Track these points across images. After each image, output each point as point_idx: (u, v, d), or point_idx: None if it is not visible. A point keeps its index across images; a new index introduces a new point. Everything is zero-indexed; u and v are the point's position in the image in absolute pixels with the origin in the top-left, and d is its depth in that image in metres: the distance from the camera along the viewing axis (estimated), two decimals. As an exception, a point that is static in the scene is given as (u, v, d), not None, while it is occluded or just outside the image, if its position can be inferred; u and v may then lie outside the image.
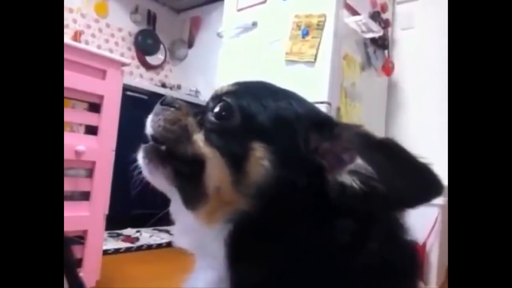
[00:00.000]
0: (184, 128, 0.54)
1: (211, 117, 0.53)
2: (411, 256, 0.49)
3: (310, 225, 0.45)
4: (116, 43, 3.57)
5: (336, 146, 0.47)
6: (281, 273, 0.45)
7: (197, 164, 0.50)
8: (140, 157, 0.56)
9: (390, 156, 0.43)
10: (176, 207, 0.54)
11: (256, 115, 0.50)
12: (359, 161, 0.44)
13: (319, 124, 0.50)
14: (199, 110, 0.56)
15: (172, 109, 0.56)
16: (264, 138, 0.48)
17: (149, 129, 0.56)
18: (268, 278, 0.45)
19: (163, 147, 0.55)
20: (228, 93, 0.54)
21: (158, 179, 0.54)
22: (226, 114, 0.52)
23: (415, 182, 0.42)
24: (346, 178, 0.44)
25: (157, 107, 0.57)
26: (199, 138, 0.52)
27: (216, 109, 0.52)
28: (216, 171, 0.49)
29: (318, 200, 0.45)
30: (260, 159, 0.47)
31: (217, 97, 0.55)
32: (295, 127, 0.49)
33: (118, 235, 2.49)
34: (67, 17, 3.20)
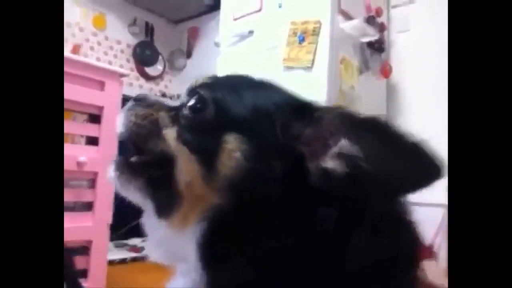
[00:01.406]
0: (154, 123, 0.52)
1: (185, 111, 0.50)
2: (409, 247, 0.46)
3: (292, 217, 0.42)
4: (115, 55, 3.60)
5: (319, 130, 0.44)
6: (265, 272, 0.42)
7: (167, 161, 0.48)
8: (111, 170, 0.54)
9: (378, 134, 0.39)
10: (148, 220, 0.52)
11: (231, 106, 0.48)
12: (343, 142, 0.40)
13: (299, 110, 0.47)
14: (175, 106, 0.54)
15: (144, 104, 0.55)
16: (239, 129, 0.46)
17: (119, 126, 0.54)
18: (251, 278, 0.42)
19: (134, 159, 0.53)
20: (203, 85, 0.52)
21: (130, 191, 0.52)
22: (200, 107, 0.49)
23: (408, 162, 0.38)
24: (329, 163, 0.40)
25: (130, 103, 0.56)
26: (170, 133, 0.50)
27: (190, 103, 0.50)
28: (185, 167, 0.47)
29: (299, 190, 0.42)
30: (232, 151, 0.45)
31: (192, 91, 0.52)
32: (273, 116, 0.47)
33: (124, 245, 2.49)
34: (66, 32, 3.23)
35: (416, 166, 0.38)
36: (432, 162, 0.37)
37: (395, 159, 0.38)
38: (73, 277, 0.92)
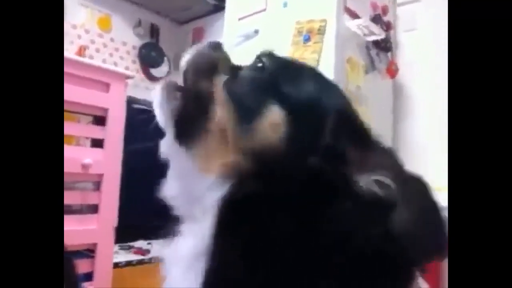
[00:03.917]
0: (212, 64, 0.55)
1: (242, 69, 0.54)
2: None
3: (308, 210, 0.42)
4: (121, 57, 3.60)
5: (367, 159, 0.44)
6: (267, 256, 0.41)
7: (206, 100, 0.50)
8: (158, 86, 0.56)
9: (416, 195, 0.40)
10: (171, 146, 0.53)
11: (286, 83, 0.49)
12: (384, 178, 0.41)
13: (355, 130, 0.48)
14: (238, 65, 0.58)
15: (214, 49, 0.58)
16: (285, 107, 0.47)
17: (183, 59, 0.57)
18: (253, 257, 0.42)
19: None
20: (270, 55, 0.54)
21: (166, 106, 0.54)
22: (256, 68, 0.52)
23: (428, 233, 0.40)
24: (367, 181, 0.41)
25: (202, 45, 0.59)
26: (219, 79, 0.53)
27: (250, 66, 0.53)
28: (222, 112, 0.49)
29: (324, 187, 0.42)
30: (272, 122, 0.46)
31: (258, 56, 0.55)
32: (326, 117, 0.46)
33: (130, 247, 2.49)
34: (71, 33, 3.24)
35: (432, 243, 0.40)
36: (442, 245, 0.40)
37: (421, 226, 0.39)
38: (73, 283, 0.92)
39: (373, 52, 2.19)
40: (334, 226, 0.41)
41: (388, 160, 0.44)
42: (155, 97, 0.55)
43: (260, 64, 0.52)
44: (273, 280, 0.41)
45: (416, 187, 0.42)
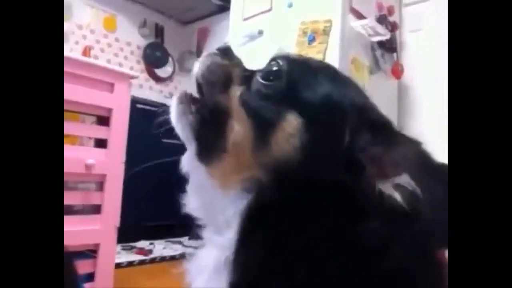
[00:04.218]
0: (225, 75, 0.53)
1: (258, 76, 0.51)
2: (435, 267, 0.44)
3: (330, 222, 0.41)
4: (125, 57, 3.61)
5: (389, 155, 0.42)
6: (292, 269, 0.40)
7: (223, 115, 0.49)
8: (174, 100, 0.55)
9: (445, 186, 0.38)
10: (191, 161, 0.52)
11: (303, 87, 0.47)
12: (407, 179, 0.39)
13: (377, 123, 0.46)
14: (251, 69, 0.55)
15: (225, 56, 0.56)
16: (304, 114, 0.45)
17: (196, 69, 0.55)
18: (277, 266, 0.41)
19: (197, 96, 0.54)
20: (285, 57, 0.52)
21: (182, 123, 0.53)
22: (272, 75, 0.49)
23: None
24: (389, 189, 0.40)
25: (212, 51, 0.58)
26: (234, 91, 0.51)
27: (265, 69, 0.51)
28: (238, 127, 0.47)
29: (344, 197, 0.41)
30: (289, 133, 0.44)
31: (273, 59, 0.52)
32: (345, 117, 0.45)
33: (132, 247, 2.49)
34: (77, 33, 3.25)
35: None
36: None
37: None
38: (73, 280, 0.91)
39: (378, 52, 2.17)
40: (355, 237, 0.40)
41: (413, 152, 0.42)
42: (172, 111, 0.54)
43: (276, 68, 0.50)
44: None
45: (445, 179, 0.39)
